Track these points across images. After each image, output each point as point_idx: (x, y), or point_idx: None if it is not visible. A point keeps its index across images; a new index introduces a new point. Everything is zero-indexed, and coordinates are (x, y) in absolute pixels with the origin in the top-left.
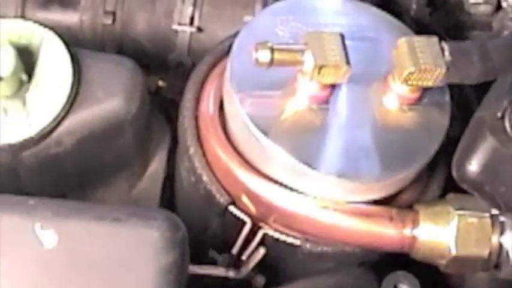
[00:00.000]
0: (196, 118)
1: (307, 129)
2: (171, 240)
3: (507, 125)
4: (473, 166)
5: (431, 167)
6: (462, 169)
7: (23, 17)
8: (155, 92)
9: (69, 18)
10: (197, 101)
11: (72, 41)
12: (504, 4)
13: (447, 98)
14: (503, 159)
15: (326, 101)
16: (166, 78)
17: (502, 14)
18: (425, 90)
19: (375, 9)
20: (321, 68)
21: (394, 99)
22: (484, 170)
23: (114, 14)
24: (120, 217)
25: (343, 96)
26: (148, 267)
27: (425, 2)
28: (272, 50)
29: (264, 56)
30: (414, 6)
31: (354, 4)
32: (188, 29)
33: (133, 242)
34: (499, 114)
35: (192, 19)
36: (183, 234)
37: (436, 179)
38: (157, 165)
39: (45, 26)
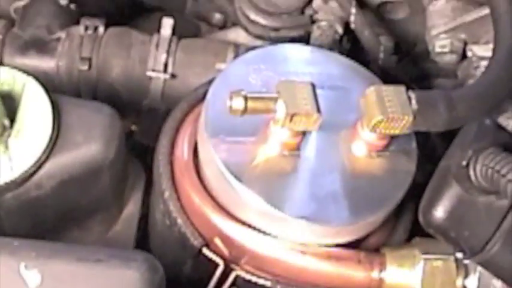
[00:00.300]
0: (171, 163)
1: (279, 175)
2: (150, 281)
3: (471, 173)
4: (439, 212)
5: (398, 212)
6: (428, 215)
7: (0, 62)
8: (128, 136)
9: (45, 63)
10: (172, 146)
11: (49, 85)
12: (469, 54)
13: (414, 145)
14: (468, 206)
15: (297, 148)
16: (139, 122)
17: (467, 64)
18: (392, 137)
19: (343, 59)
20: (292, 116)
21: (363, 146)
22: (449, 216)
23: (90, 60)
24: (102, 258)
25: (313, 143)
26: None
27: (392, 51)
28: (246, 98)
29: (238, 104)
30: (382, 55)
31: (323, 53)
32: (162, 76)
33: (114, 283)
34: (464, 163)
35: (165, 66)
36: (161, 275)
37: (403, 223)
38: (132, 208)
39: (26, 72)
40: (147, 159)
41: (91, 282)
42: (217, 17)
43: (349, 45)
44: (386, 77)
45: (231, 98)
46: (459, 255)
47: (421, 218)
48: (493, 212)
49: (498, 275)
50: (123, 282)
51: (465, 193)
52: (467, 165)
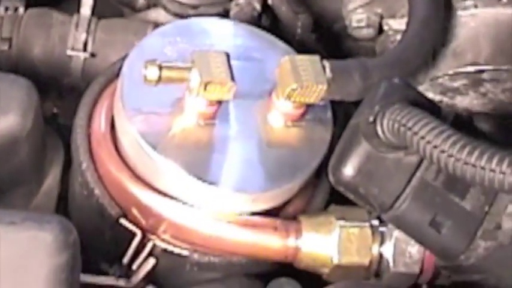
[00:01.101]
0: (89, 135)
1: (196, 144)
2: (63, 242)
3: (379, 129)
4: (348, 169)
5: (316, 181)
6: (337, 173)
7: None
8: (50, 118)
9: None
10: (89, 119)
11: None
12: (385, 27)
13: (329, 114)
14: (377, 162)
15: (213, 117)
16: (61, 103)
17: (384, 37)
18: (308, 107)
19: (261, 32)
20: (206, 84)
21: (279, 115)
22: (358, 173)
23: (10, 40)
24: (15, 220)
25: (230, 113)
26: (42, 267)
27: (310, 28)
28: (160, 67)
29: (153, 73)
30: (299, 31)
31: (241, 27)
32: (82, 54)
33: (28, 244)
34: (371, 119)
35: (85, 45)
36: (75, 237)
37: (320, 192)
38: (51, 182)
39: None
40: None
41: (4, 243)
42: (141, 2)
43: (268, 22)
44: (306, 53)
45: (145, 67)
46: (375, 222)
47: (330, 176)
48: (402, 168)
49: (407, 232)
50: (37, 243)
51: (374, 150)
52: (375, 120)
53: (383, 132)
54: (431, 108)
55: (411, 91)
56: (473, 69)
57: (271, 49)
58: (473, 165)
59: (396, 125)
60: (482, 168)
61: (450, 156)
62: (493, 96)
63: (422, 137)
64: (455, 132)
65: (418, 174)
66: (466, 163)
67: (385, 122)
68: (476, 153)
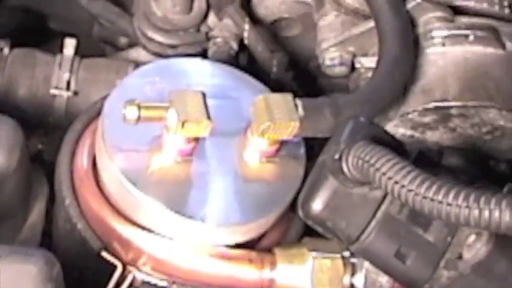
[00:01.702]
0: (71, 172)
1: (174, 180)
2: (47, 275)
3: (344, 165)
4: (316, 204)
5: (291, 214)
6: (306, 207)
7: None
8: (35, 155)
9: None
10: (72, 156)
11: None
12: (358, 65)
13: (302, 150)
14: (343, 197)
15: (191, 154)
16: (46, 140)
17: (356, 75)
18: (282, 143)
19: (237, 72)
20: (183, 123)
21: (254, 152)
22: (326, 207)
23: None
24: (1, 254)
25: (207, 150)
26: None
27: (286, 67)
28: (139, 107)
29: (132, 112)
30: (275, 69)
31: (217, 66)
32: (65, 93)
33: (14, 276)
34: (337, 156)
35: (68, 84)
36: (58, 270)
37: (295, 225)
38: (36, 217)
39: None
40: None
41: None
42: (123, 40)
43: (245, 61)
44: (282, 91)
45: (125, 107)
46: (346, 253)
47: (300, 210)
48: (367, 202)
49: (374, 263)
50: (22, 276)
51: (341, 185)
52: (340, 157)
53: (348, 168)
54: (395, 146)
55: (376, 129)
56: (441, 105)
57: (246, 88)
58: (432, 200)
59: (360, 162)
60: (440, 202)
61: (410, 191)
62: (462, 131)
63: (384, 173)
64: (415, 168)
65: (382, 208)
66: (424, 197)
67: (350, 159)
68: (434, 188)
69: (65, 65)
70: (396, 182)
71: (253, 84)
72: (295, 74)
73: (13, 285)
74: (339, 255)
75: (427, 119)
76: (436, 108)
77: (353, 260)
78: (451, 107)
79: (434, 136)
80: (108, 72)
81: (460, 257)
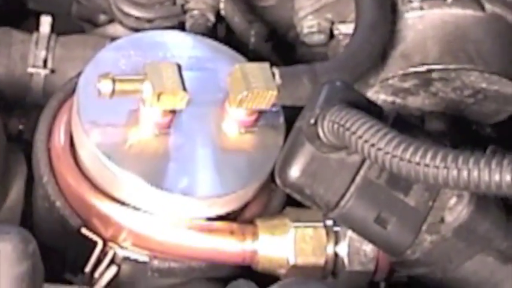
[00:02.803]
0: (49, 150)
1: (152, 154)
2: (23, 252)
3: (320, 130)
4: (293, 171)
5: (272, 185)
6: (283, 175)
7: None
8: (16, 135)
9: None
10: (49, 133)
11: None
12: (336, 32)
13: (281, 120)
14: (320, 163)
15: (168, 127)
16: (26, 120)
17: (335, 42)
18: (260, 113)
19: (214, 43)
20: (159, 95)
21: (232, 123)
22: (303, 174)
23: None
24: None
25: (184, 122)
26: (2, 277)
27: (264, 37)
28: (113, 80)
29: (106, 86)
30: (253, 40)
31: (194, 38)
32: (42, 71)
33: None
34: (312, 121)
35: (45, 62)
36: (34, 246)
37: (277, 196)
38: (15, 197)
39: None
40: None
41: None
42: (102, 18)
43: (223, 33)
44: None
45: (99, 81)
46: (329, 222)
47: (277, 178)
48: (345, 167)
49: (354, 229)
50: None
51: (317, 151)
52: (316, 122)
53: (324, 133)
54: (372, 109)
55: (352, 93)
56: (422, 69)
57: (224, 59)
58: (409, 161)
59: (335, 126)
60: (417, 163)
61: (386, 153)
62: (443, 95)
63: (360, 136)
64: (391, 130)
65: (361, 173)
66: (401, 159)
67: (325, 123)
68: (411, 149)
69: (42, 43)
70: (372, 145)
71: (231, 55)
72: (273, 44)
73: None
74: (321, 224)
75: (408, 84)
76: (417, 72)
77: (336, 228)
78: (432, 71)
79: (416, 101)
80: (84, 49)
81: (442, 220)
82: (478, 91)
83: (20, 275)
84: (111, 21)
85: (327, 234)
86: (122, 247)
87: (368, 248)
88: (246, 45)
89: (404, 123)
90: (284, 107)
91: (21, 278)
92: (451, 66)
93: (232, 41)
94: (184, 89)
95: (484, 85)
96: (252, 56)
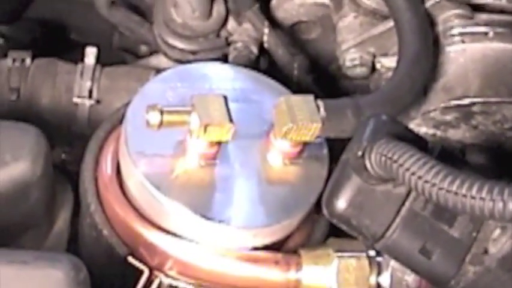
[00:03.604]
0: (96, 179)
1: (198, 184)
2: (74, 279)
3: (367, 162)
4: (341, 202)
5: (315, 216)
6: (331, 206)
7: None
8: (59, 164)
9: None
10: (96, 163)
11: None
12: (378, 65)
13: (325, 151)
14: (367, 195)
15: (214, 158)
16: (70, 150)
17: (377, 75)
18: (305, 145)
19: (258, 75)
20: (206, 126)
21: (277, 154)
22: (350, 205)
23: (18, 90)
24: (28, 260)
25: (230, 154)
26: None
27: (307, 69)
28: (161, 112)
29: (154, 117)
30: (296, 72)
31: (238, 70)
32: (87, 102)
33: (40, 282)
34: (360, 153)
35: (90, 92)
36: (85, 274)
37: (320, 226)
38: (62, 225)
39: None
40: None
41: (18, 282)
42: (144, 48)
43: (266, 65)
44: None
45: (147, 112)
46: (372, 253)
47: (324, 209)
48: (391, 199)
49: (399, 260)
50: (48, 281)
51: (364, 183)
52: (363, 155)
53: (371, 165)
54: (418, 142)
55: (398, 126)
56: (463, 102)
57: (268, 91)
58: (455, 193)
59: (383, 159)
60: (464, 195)
61: (433, 185)
62: (484, 128)
63: (407, 169)
64: (438, 163)
65: (407, 204)
66: (448, 191)
67: (372, 156)
68: (457, 181)
69: (87, 74)
70: (419, 177)
71: (275, 87)
72: (316, 76)
73: None
74: (364, 255)
75: (449, 117)
76: (458, 106)
77: (379, 259)
78: (473, 104)
79: (456, 134)
80: (129, 80)
81: (485, 251)
82: None
83: None
84: (152, 52)
85: (370, 264)
86: (167, 276)
87: (410, 278)
88: (288, 77)
89: (449, 156)
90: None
91: None
92: (492, 100)
93: (275, 73)
94: (231, 121)
95: None
96: (294, 88)
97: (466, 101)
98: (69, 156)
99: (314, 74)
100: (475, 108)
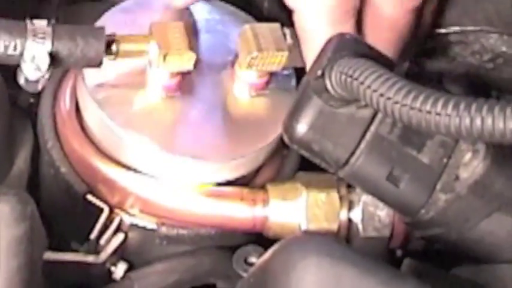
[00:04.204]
0: (54, 115)
1: (159, 117)
2: (20, 214)
3: (327, 82)
4: (301, 126)
5: (284, 151)
6: (290, 130)
7: None
8: (27, 108)
9: None
10: (54, 99)
11: None
12: None
13: (293, 82)
14: (330, 118)
15: (176, 90)
16: (37, 95)
17: None
18: (272, 76)
19: (225, 5)
20: (165, 55)
21: (243, 85)
22: (311, 129)
23: None
24: None
25: (193, 85)
26: None
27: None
28: (118, 41)
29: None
30: (266, 4)
31: (203, 1)
32: None
33: None
34: (319, 73)
35: None
36: (32, 208)
37: (289, 161)
38: (21, 165)
39: None
40: None
41: None
42: None
43: None
44: None
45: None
46: (343, 188)
47: (284, 134)
48: (355, 122)
49: (365, 188)
50: None
51: (326, 105)
52: (323, 74)
53: (332, 85)
54: (383, 62)
55: (362, 45)
56: (439, 31)
57: (235, 22)
58: (419, 110)
59: (343, 77)
60: (428, 112)
61: (396, 102)
62: (462, 59)
63: (368, 86)
64: (401, 79)
65: (372, 128)
66: (412, 108)
67: (333, 75)
68: (421, 97)
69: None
70: (381, 95)
71: (242, 18)
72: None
73: None
74: (334, 189)
75: (426, 47)
76: (435, 35)
77: (350, 193)
78: (449, 34)
79: (433, 66)
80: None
81: (457, 177)
82: (497, 55)
83: (18, 237)
84: None
85: (340, 199)
86: (128, 214)
87: (383, 213)
88: (259, 9)
89: (417, 78)
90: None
91: (19, 240)
92: (470, 28)
93: (243, 5)
94: (191, 49)
95: (504, 48)
96: (264, 20)
97: (442, 30)
98: (36, 99)
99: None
100: (452, 38)
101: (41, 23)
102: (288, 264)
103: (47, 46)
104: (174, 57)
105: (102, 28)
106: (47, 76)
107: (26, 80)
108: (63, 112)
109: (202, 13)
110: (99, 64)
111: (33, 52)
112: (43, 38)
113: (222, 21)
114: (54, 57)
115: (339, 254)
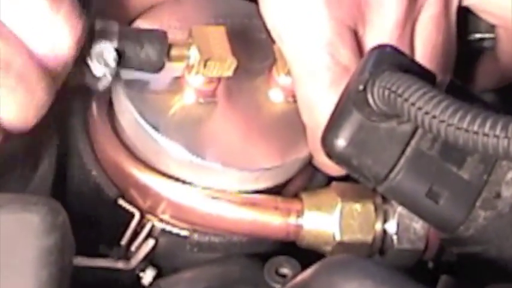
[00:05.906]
0: (85, 118)
1: (195, 123)
2: (51, 224)
3: (369, 97)
4: (340, 141)
5: None
6: (329, 144)
7: None
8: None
9: None
10: (85, 101)
11: None
12: None
13: None
14: (370, 132)
15: (213, 95)
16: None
17: None
18: None
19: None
20: (206, 61)
21: (279, 91)
22: (351, 144)
23: None
24: (1, 203)
25: (230, 91)
26: (29, 250)
27: None
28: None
29: None
30: None
31: (237, 2)
32: None
33: (14, 227)
34: (361, 87)
35: None
36: (64, 218)
37: None
38: (46, 167)
39: None
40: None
41: None
42: None
43: None
44: None
45: None
46: (378, 199)
47: (323, 148)
48: (395, 138)
49: (404, 204)
50: (23, 225)
51: (366, 119)
52: (365, 89)
53: (374, 100)
54: (425, 75)
55: (403, 58)
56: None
57: None
58: (466, 130)
59: (386, 92)
60: (475, 132)
61: (442, 121)
62: None
63: (413, 104)
64: (447, 97)
65: (412, 143)
66: (458, 128)
67: (375, 89)
68: (468, 117)
69: None
70: (427, 113)
71: None
72: None
73: (13, 236)
74: (370, 201)
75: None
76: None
77: (386, 206)
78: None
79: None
80: None
81: (498, 195)
82: None
83: (48, 248)
84: None
85: (376, 210)
86: (160, 220)
87: (418, 225)
88: None
89: (459, 90)
90: None
91: (49, 251)
92: None
93: None
94: (233, 55)
95: None
96: None
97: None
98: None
99: None
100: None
101: (108, 22)
102: (329, 286)
103: (114, 44)
104: (215, 63)
105: (164, 32)
106: (112, 74)
107: (93, 76)
108: (95, 115)
109: (237, 15)
110: (159, 69)
111: (101, 48)
112: (110, 38)
113: (258, 24)
114: (120, 57)
115: (382, 277)
